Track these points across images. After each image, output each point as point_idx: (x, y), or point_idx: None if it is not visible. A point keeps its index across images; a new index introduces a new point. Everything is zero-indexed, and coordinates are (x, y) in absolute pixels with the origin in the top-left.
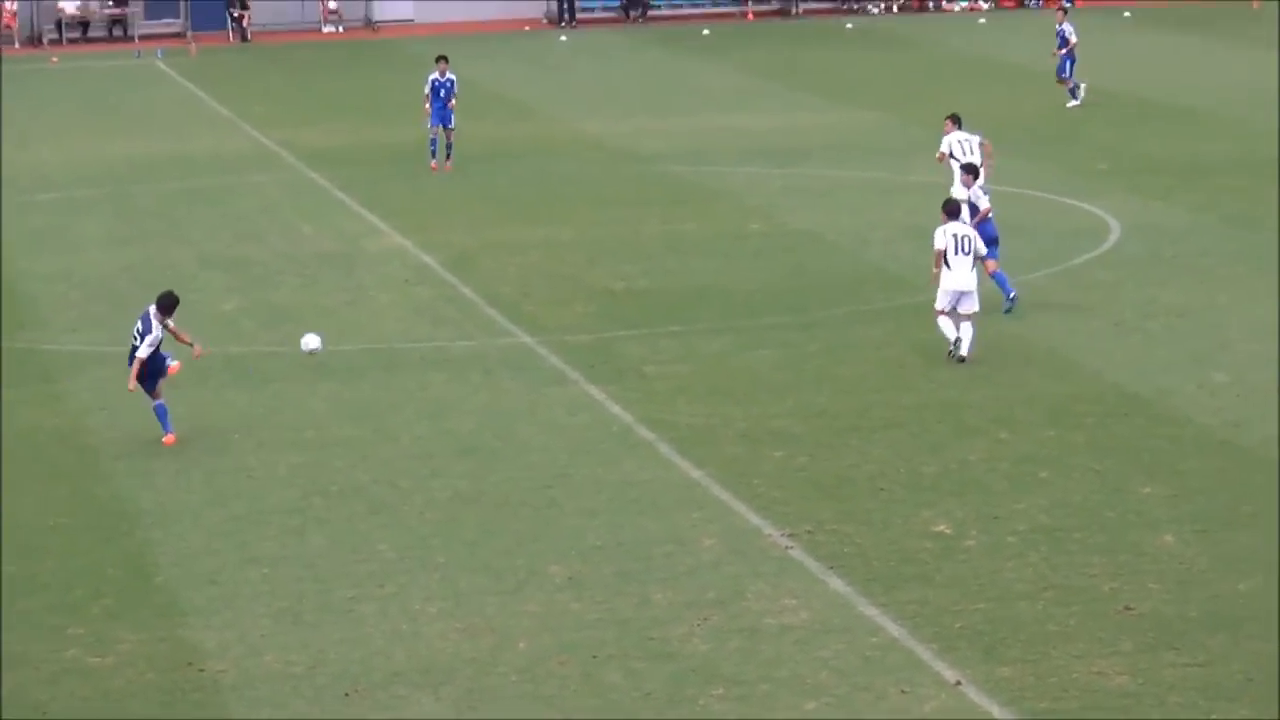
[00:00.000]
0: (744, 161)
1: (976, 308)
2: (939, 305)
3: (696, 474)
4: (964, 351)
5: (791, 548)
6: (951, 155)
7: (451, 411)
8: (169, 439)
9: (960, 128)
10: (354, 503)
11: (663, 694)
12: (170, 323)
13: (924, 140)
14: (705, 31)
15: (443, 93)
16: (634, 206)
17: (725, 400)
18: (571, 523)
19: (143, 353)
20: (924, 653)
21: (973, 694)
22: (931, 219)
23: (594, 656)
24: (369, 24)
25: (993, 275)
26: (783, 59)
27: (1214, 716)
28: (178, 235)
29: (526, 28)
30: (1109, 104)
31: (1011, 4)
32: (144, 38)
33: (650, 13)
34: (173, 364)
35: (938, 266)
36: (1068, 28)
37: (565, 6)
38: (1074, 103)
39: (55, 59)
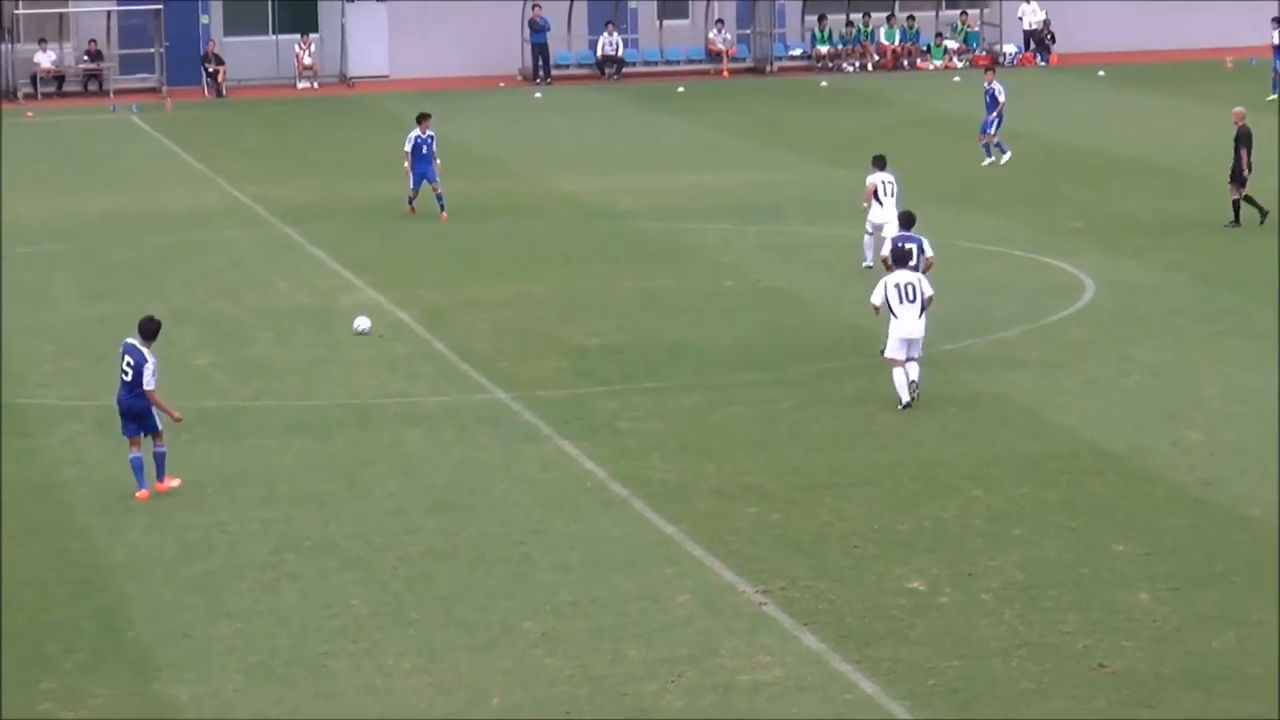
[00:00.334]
0: (718, 218)
1: (920, 351)
2: (891, 354)
3: (670, 530)
4: (914, 376)
5: (765, 604)
6: (876, 196)
7: (425, 467)
8: (142, 494)
9: (883, 169)
10: (327, 558)
11: None
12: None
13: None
14: (680, 89)
15: (424, 150)
16: (607, 263)
17: (699, 456)
18: (545, 578)
19: (150, 384)
20: (898, 710)
21: None
22: None
23: (567, 713)
24: (344, 79)
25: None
26: (757, 116)
27: None
28: (151, 290)
29: (501, 84)
30: (1083, 162)
31: (986, 62)
32: (119, 93)
33: (625, 70)
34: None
35: (878, 312)
36: (997, 86)
37: (540, 63)
38: (989, 160)
39: (30, 114)
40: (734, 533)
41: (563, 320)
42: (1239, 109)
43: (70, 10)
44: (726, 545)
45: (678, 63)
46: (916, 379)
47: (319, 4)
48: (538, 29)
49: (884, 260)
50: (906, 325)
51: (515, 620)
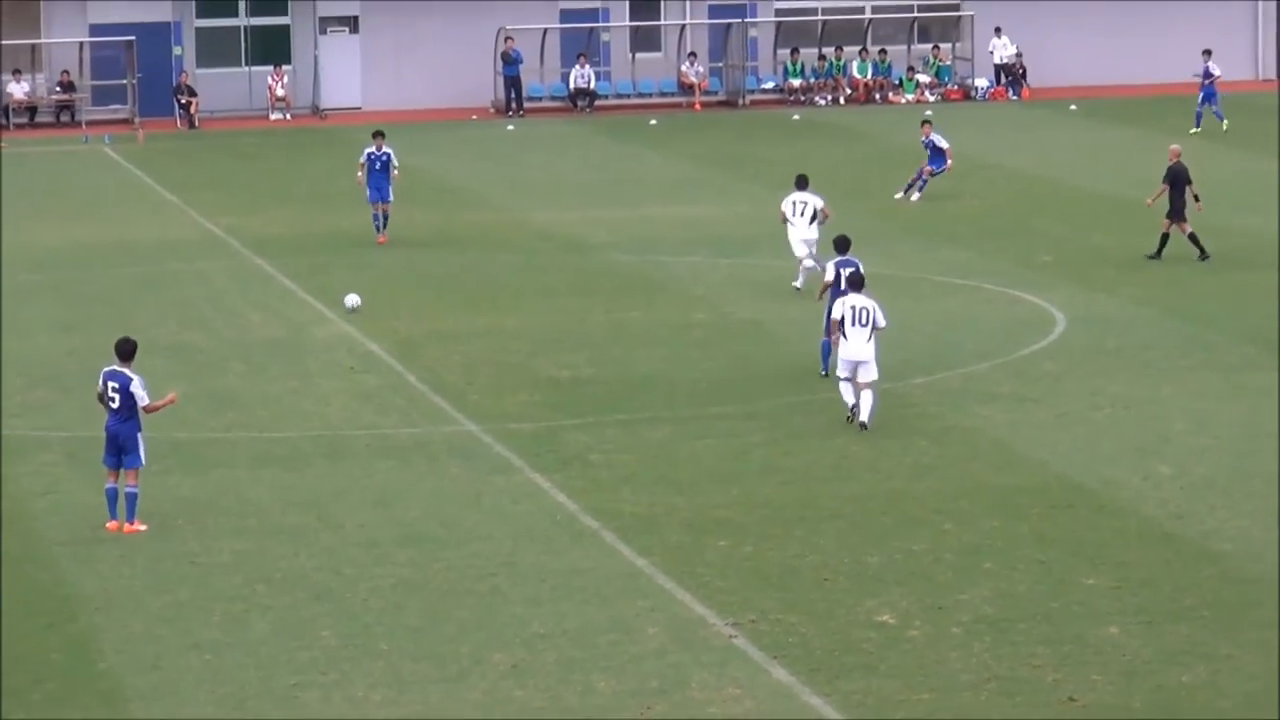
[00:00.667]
0: (689, 251)
1: (875, 376)
2: (839, 372)
3: (641, 563)
4: (864, 418)
5: (735, 637)
6: (785, 216)
7: (396, 499)
8: (112, 525)
9: (802, 189)
10: (297, 590)
11: None
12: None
13: (870, 231)
14: (652, 122)
15: (378, 165)
16: (579, 296)
17: (670, 489)
18: (515, 610)
19: (145, 399)
20: None
21: None
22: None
23: None
24: (316, 111)
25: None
26: (729, 150)
27: None
28: (123, 321)
29: (474, 116)
30: (1055, 196)
31: (958, 96)
32: (91, 123)
33: (597, 103)
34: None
35: (831, 334)
36: (937, 138)
37: (512, 95)
38: (902, 194)
39: (2, 144)
40: (705, 565)
41: (534, 352)
42: (1176, 146)
43: (43, 41)
44: (697, 578)
45: (650, 95)
46: (866, 419)
47: (292, 36)
48: (510, 61)
49: (825, 286)
50: (855, 348)
51: (486, 652)
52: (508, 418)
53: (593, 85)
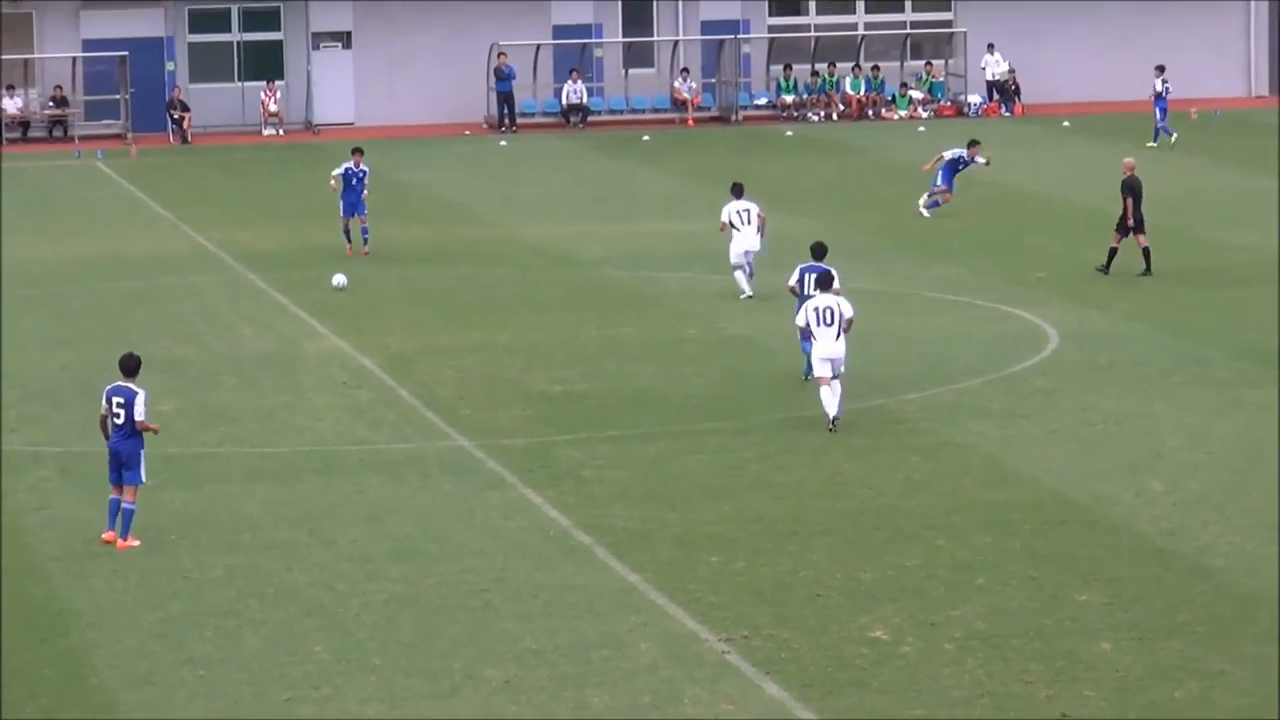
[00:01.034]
0: (682, 267)
1: (843, 369)
2: (817, 372)
3: (633, 578)
4: (834, 412)
5: (728, 653)
6: (731, 224)
7: (389, 514)
8: (108, 535)
9: (739, 198)
10: (290, 605)
11: None
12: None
13: (863, 247)
14: (646, 138)
15: (354, 181)
16: (572, 311)
17: (662, 505)
18: (508, 626)
19: (142, 414)
20: None
21: None
22: (871, 326)
23: None
24: (309, 127)
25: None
26: (722, 165)
27: None
28: (116, 336)
29: (467, 132)
30: (1047, 212)
31: (951, 112)
32: (84, 138)
33: (590, 118)
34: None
35: (805, 339)
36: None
37: (505, 111)
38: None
39: None
40: (697, 581)
41: (527, 368)
42: (1129, 160)
43: (36, 56)
44: (689, 593)
45: (643, 111)
46: (837, 414)
47: (284, 51)
48: (503, 77)
49: (790, 289)
50: (825, 346)
51: (478, 668)
52: (500, 433)
53: (585, 101)
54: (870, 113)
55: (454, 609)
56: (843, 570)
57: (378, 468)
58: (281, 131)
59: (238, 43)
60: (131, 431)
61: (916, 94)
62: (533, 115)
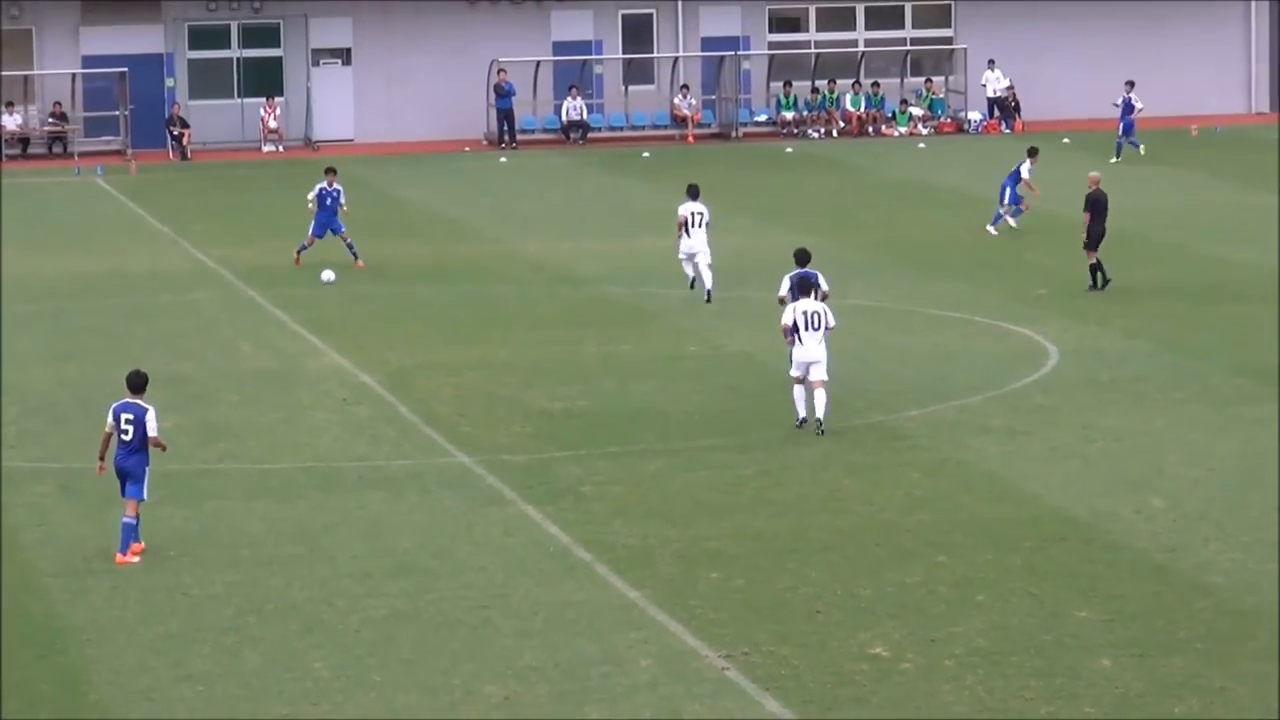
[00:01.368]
0: (682, 284)
1: (825, 376)
2: (792, 372)
3: (633, 595)
4: (820, 415)
5: (728, 669)
6: (686, 225)
7: (388, 530)
8: (121, 559)
9: (695, 199)
10: (289, 621)
11: None
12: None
13: (861, 263)
14: (646, 154)
15: (329, 201)
16: (571, 328)
17: (662, 521)
18: (508, 643)
19: (154, 430)
20: None
21: None
22: (872, 342)
23: None
24: (309, 143)
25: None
26: (722, 182)
27: None
28: (116, 352)
29: (466, 148)
30: (1047, 228)
31: (951, 129)
32: (84, 155)
33: (590, 135)
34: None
35: (787, 338)
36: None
37: (505, 128)
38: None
39: None
40: (697, 598)
41: (526, 384)
42: (1095, 174)
43: (36, 73)
44: (689, 610)
45: (643, 128)
46: (822, 416)
47: (284, 68)
48: (503, 94)
49: (781, 300)
50: (807, 350)
51: (477, 684)
52: (500, 449)
53: (585, 117)
54: (870, 129)
55: (454, 625)
56: (843, 587)
57: (377, 484)
58: (281, 148)
59: (237, 59)
60: (140, 447)
61: (917, 110)
62: (533, 132)
